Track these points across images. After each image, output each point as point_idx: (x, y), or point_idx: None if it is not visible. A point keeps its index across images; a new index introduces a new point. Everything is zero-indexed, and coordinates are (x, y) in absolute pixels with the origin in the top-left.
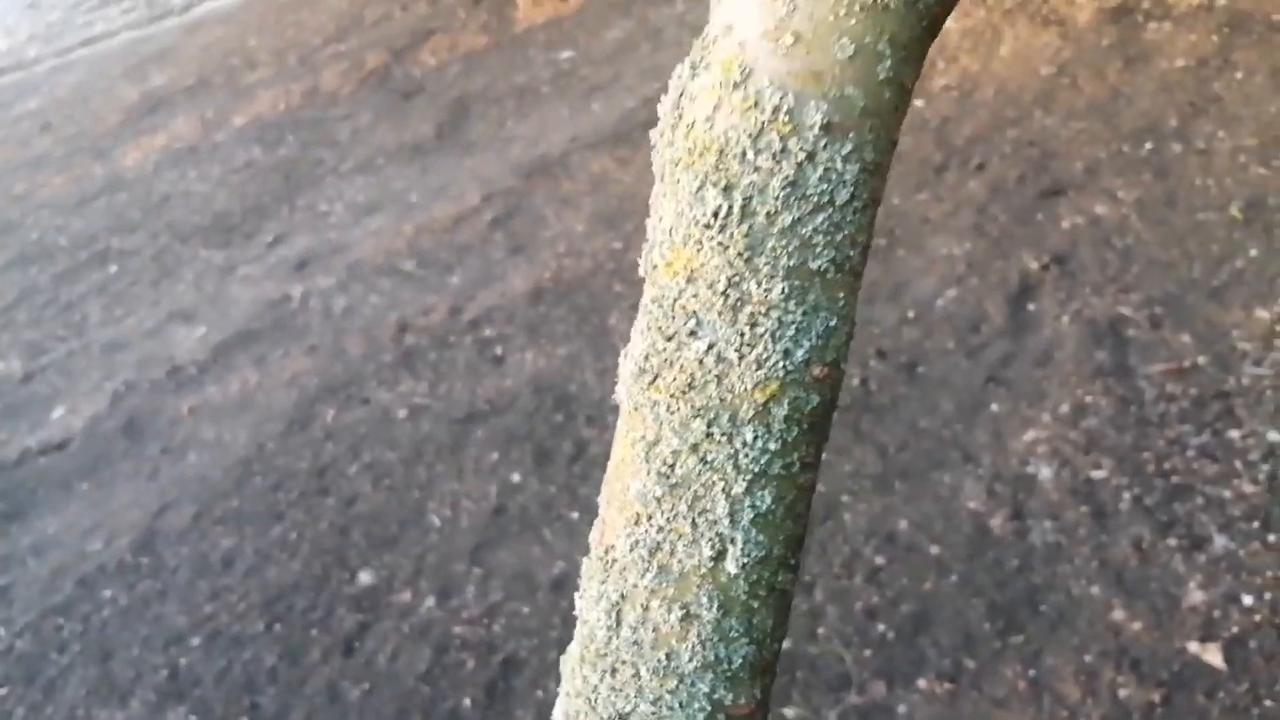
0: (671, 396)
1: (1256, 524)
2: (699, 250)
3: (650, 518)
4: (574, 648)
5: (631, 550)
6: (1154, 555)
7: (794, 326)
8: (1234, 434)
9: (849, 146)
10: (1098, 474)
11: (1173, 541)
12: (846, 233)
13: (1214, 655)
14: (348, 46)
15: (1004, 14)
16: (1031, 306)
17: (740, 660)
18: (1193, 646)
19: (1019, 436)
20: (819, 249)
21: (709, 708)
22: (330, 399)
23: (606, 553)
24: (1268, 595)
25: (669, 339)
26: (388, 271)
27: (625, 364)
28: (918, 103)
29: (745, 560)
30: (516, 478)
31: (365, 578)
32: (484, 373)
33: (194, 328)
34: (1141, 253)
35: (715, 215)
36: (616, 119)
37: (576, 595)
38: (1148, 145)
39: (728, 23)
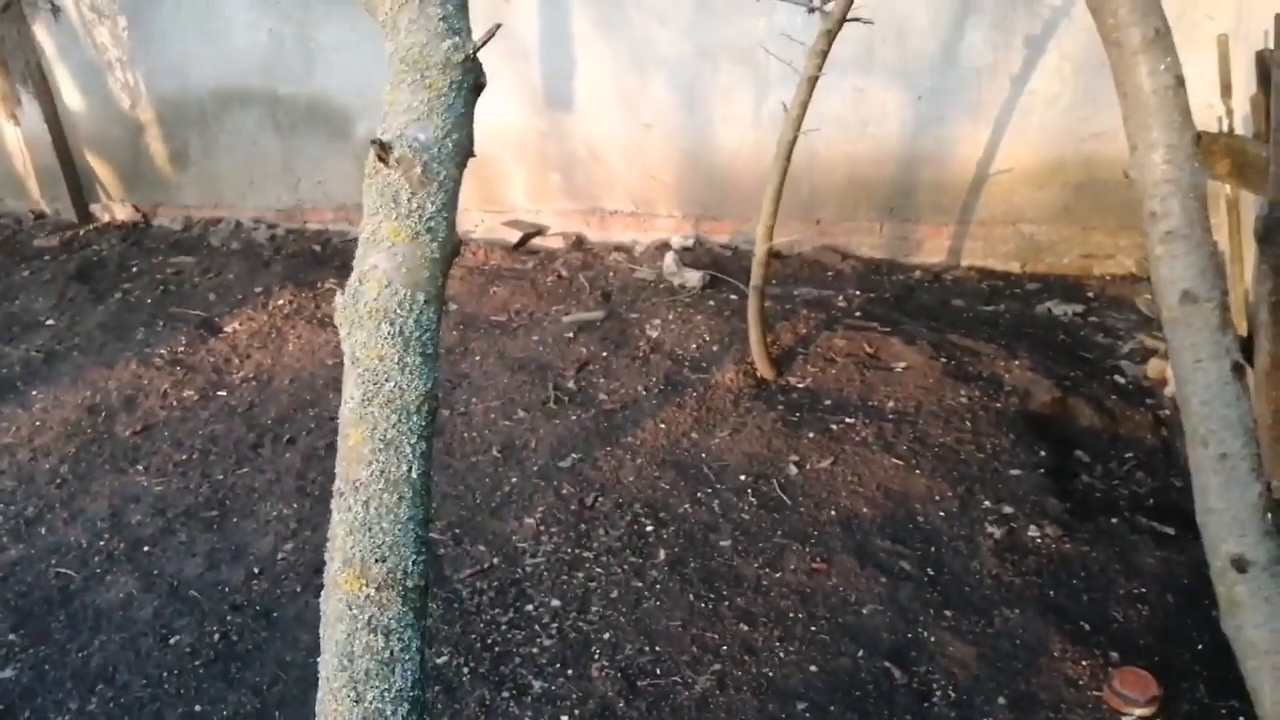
0: (381, 408)
1: (558, 665)
2: (384, 350)
3: (375, 460)
4: (339, 529)
5: (370, 474)
6: (494, 708)
7: (422, 375)
8: (529, 607)
9: (433, 308)
10: (441, 659)
11: (505, 694)
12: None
13: None
14: None
15: (284, 318)
16: None
17: (421, 517)
18: None
19: None
20: (429, 347)
21: (415, 537)
22: None
23: (355, 482)
24: (577, 712)
25: (375, 384)
26: None
27: (346, 409)
28: (221, 393)
29: (420, 470)
30: None
31: None
32: None
33: None
34: (438, 492)
35: (390, 338)
36: None
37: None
38: None
39: (374, 264)
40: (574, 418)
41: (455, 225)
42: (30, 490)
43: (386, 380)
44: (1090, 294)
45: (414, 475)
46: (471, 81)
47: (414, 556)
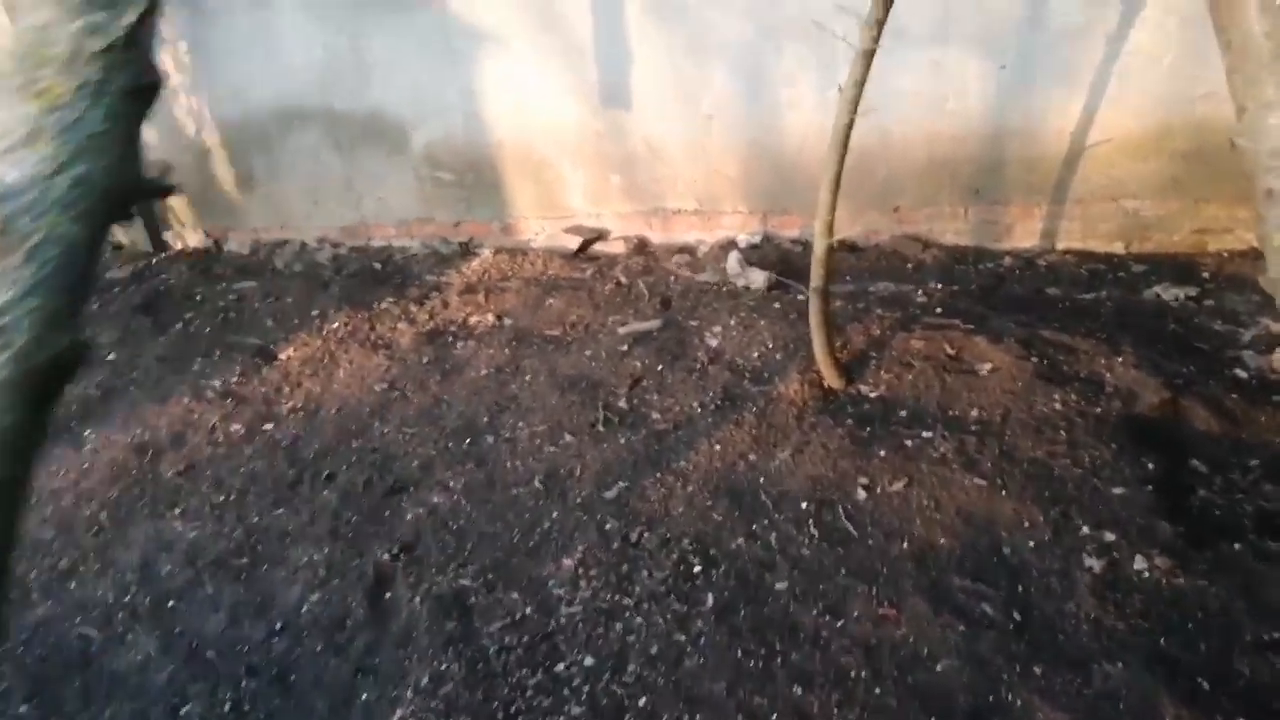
0: None
1: None
2: None
3: None
4: None
5: None
6: None
7: None
8: (559, 667)
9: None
10: None
11: None
12: None
13: None
14: None
15: (338, 342)
16: (388, 595)
17: None
18: None
19: (389, 718)
20: None
21: None
22: None
23: None
24: None
25: None
26: None
27: None
28: (267, 426)
29: None
30: None
31: None
32: None
33: None
34: (473, 530)
35: None
36: None
37: None
38: (468, 440)
39: None
40: (623, 441)
41: (65, 321)
42: (68, 540)
43: None
44: (1205, 274)
45: None
46: (124, 83)
47: None
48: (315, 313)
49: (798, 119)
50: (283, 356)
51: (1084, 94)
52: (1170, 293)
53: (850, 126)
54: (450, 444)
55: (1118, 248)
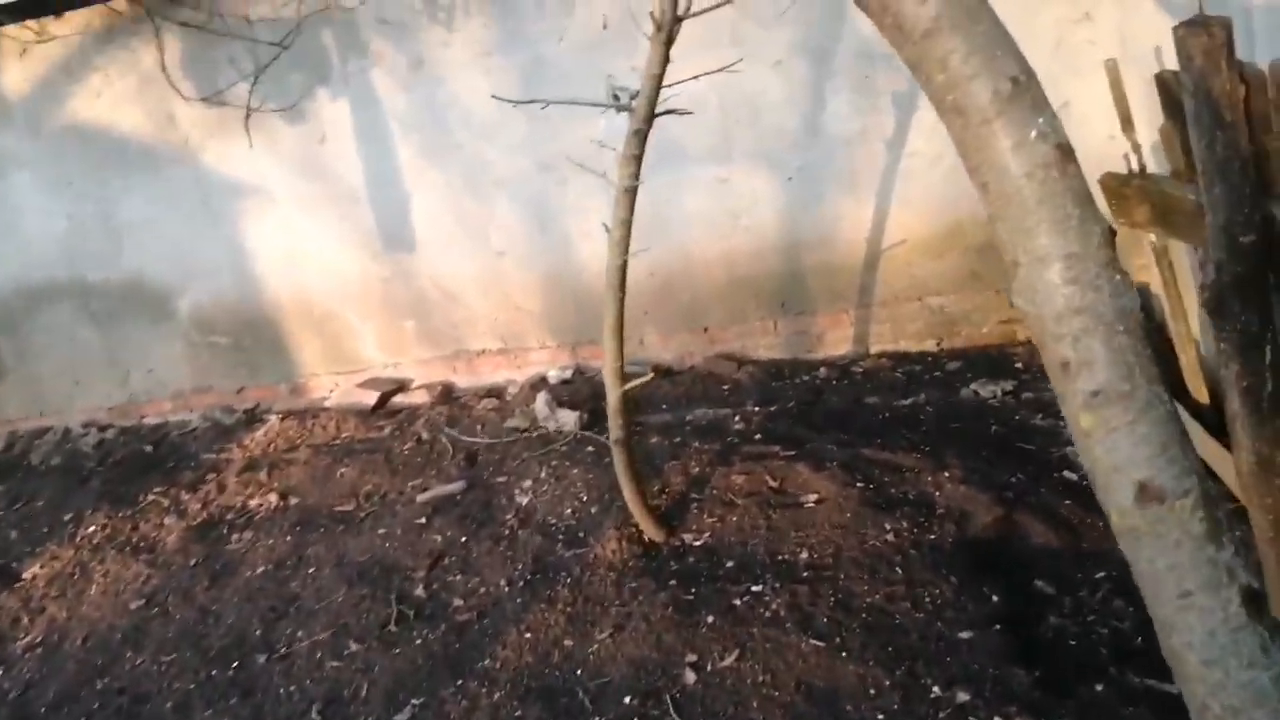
0: None
1: None
2: None
3: None
4: None
5: None
6: None
7: None
8: None
9: None
10: None
11: None
12: None
13: None
14: None
15: (93, 550)
16: None
17: None
18: None
19: None
20: None
21: None
22: None
23: None
24: None
25: None
26: None
27: None
28: None
29: None
30: None
31: None
32: None
33: None
34: None
35: None
36: None
37: None
38: (235, 664)
39: None
40: (419, 641)
41: None
42: None
43: None
44: (1018, 365)
45: None
46: None
47: None
48: (69, 516)
49: (592, 248)
50: (26, 576)
51: (872, 199)
52: (987, 389)
53: (624, 268)
54: (214, 671)
55: (930, 346)
